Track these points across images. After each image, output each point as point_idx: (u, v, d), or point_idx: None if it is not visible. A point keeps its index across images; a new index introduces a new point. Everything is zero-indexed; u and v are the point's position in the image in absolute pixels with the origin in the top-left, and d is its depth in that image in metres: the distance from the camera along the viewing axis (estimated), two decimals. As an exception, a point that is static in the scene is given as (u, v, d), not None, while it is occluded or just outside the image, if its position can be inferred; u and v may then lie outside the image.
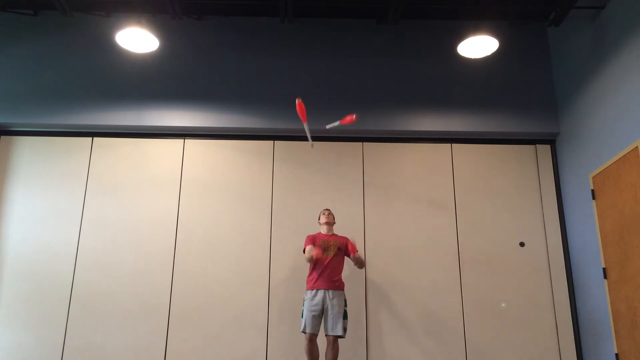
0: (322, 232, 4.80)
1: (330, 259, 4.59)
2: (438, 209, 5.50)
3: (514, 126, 5.59)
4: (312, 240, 4.71)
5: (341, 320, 4.42)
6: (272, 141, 5.66)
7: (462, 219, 5.47)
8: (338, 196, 5.49)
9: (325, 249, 4.62)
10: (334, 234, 4.81)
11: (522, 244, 5.41)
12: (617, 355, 4.58)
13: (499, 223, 5.46)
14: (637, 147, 4.31)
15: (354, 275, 5.26)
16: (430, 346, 5.12)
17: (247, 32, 5.85)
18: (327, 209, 4.92)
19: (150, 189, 5.46)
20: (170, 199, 5.44)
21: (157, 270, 5.24)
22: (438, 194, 5.54)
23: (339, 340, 4.45)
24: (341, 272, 4.67)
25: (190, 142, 5.64)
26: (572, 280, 5.31)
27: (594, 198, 4.94)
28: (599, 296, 4.85)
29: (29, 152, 5.55)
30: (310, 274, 4.65)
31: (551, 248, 5.40)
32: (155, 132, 5.62)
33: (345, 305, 4.55)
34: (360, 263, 4.75)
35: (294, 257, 5.28)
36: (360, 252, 5.29)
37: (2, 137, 5.59)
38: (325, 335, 4.43)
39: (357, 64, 5.78)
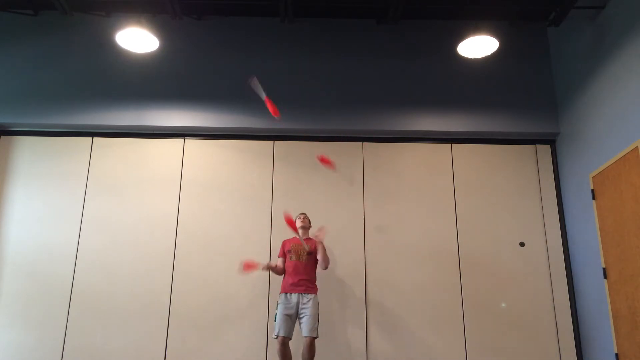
0: (297, 237, 4.82)
1: (302, 264, 4.65)
2: (438, 209, 5.50)
3: (514, 126, 5.60)
4: (284, 244, 4.83)
5: (316, 322, 4.48)
6: (272, 141, 5.66)
7: (462, 219, 5.47)
8: (338, 196, 5.49)
9: (295, 252, 4.69)
10: (307, 238, 4.82)
11: (522, 244, 5.41)
12: (617, 355, 4.58)
13: (499, 223, 5.46)
14: (637, 147, 4.31)
15: (354, 275, 5.27)
16: (431, 346, 5.12)
17: (247, 32, 5.85)
18: (303, 213, 4.95)
19: (150, 189, 5.46)
20: (170, 199, 5.44)
21: (157, 270, 5.24)
22: (438, 194, 5.54)
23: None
24: (314, 276, 4.70)
25: (190, 142, 5.64)
26: (572, 280, 5.31)
27: (594, 198, 4.94)
28: (599, 296, 4.85)
29: (29, 152, 5.55)
30: (284, 277, 4.71)
31: (551, 248, 5.40)
32: (155, 132, 5.62)
33: (318, 309, 4.59)
34: (322, 258, 4.62)
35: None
36: (356, 253, 5.30)
37: (2, 137, 5.59)
38: (303, 336, 4.45)
39: (357, 64, 5.78)
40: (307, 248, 4.67)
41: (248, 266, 4.69)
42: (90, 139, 5.61)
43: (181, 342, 5.08)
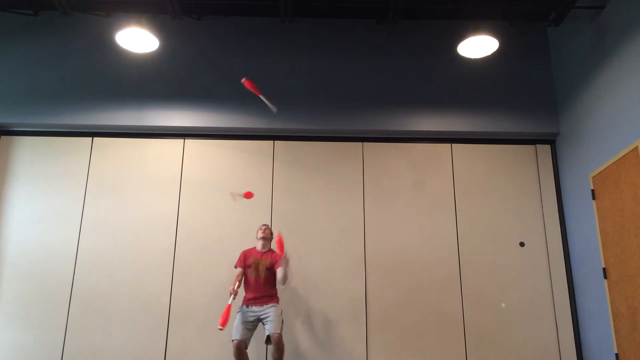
0: (257, 248, 4.78)
1: (262, 280, 4.60)
2: (438, 209, 5.50)
3: (514, 126, 5.60)
4: (245, 256, 4.73)
5: (280, 322, 4.46)
6: (272, 141, 5.66)
7: (462, 219, 5.47)
8: (338, 196, 5.49)
9: (255, 268, 4.64)
10: (268, 250, 4.77)
11: (522, 244, 5.41)
12: (617, 355, 4.58)
13: (499, 223, 5.47)
14: (637, 147, 4.31)
15: (354, 275, 5.27)
16: (431, 346, 5.12)
17: (247, 32, 5.85)
18: (265, 224, 4.90)
19: (150, 189, 5.46)
20: (170, 199, 5.44)
21: (157, 270, 5.24)
22: (438, 194, 5.54)
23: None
24: (275, 291, 4.67)
25: (190, 142, 5.64)
26: (572, 280, 5.31)
27: (594, 198, 4.94)
28: (599, 296, 4.85)
29: (29, 152, 5.55)
30: (245, 292, 4.66)
31: (551, 248, 5.40)
32: (155, 132, 5.62)
33: (281, 314, 4.57)
34: (283, 279, 4.57)
35: (294, 257, 5.28)
36: (356, 252, 5.30)
37: (2, 137, 5.59)
38: (268, 335, 4.39)
39: (357, 64, 5.78)
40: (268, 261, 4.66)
41: (247, 195, 4.59)
42: (90, 139, 5.61)
43: (181, 342, 5.08)
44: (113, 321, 5.10)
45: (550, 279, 5.32)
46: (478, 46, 5.02)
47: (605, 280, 4.75)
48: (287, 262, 4.55)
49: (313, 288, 5.23)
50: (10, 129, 5.61)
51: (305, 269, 5.28)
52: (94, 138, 5.62)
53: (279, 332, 4.39)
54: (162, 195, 5.45)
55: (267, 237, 4.79)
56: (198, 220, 5.39)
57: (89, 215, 5.37)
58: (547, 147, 5.72)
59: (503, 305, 5.24)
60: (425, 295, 5.25)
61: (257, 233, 4.85)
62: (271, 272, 4.65)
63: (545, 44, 5.88)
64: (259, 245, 4.79)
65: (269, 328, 4.42)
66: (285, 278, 4.55)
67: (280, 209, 5.44)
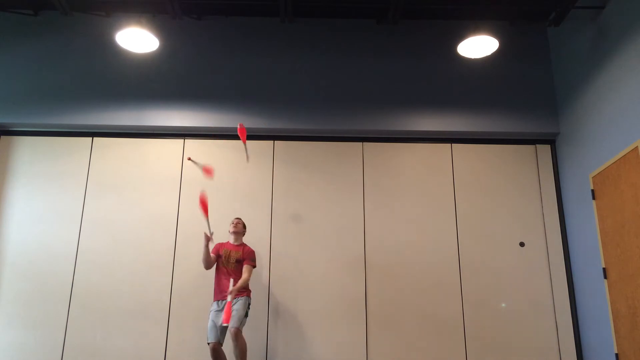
0: (230, 242, 4.83)
1: (230, 271, 4.64)
2: (438, 209, 5.50)
3: (514, 126, 5.60)
4: (218, 248, 4.80)
5: (242, 317, 4.45)
6: (272, 141, 5.66)
7: (462, 219, 5.47)
8: (338, 196, 5.49)
9: (226, 258, 4.70)
10: (240, 244, 4.81)
11: (522, 244, 5.41)
12: (617, 355, 4.58)
13: (499, 223, 5.47)
14: (637, 147, 4.31)
15: (354, 274, 5.27)
16: (430, 346, 5.12)
17: (247, 32, 5.85)
18: (237, 218, 4.94)
19: (150, 189, 5.46)
20: (170, 199, 5.44)
21: (157, 270, 5.24)
22: (438, 194, 5.54)
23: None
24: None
25: (190, 142, 5.64)
26: (572, 280, 5.31)
27: (594, 198, 4.94)
28: (599, 296, 4.85)
29: (29, 152, 5.55)
30: (215, 284, 4.70)
31: (551, 248, 5.40)
32: (155, 132, 5.62)
33: (248, 308, 4.58)
34: (243, 281, 4.56)
35: (294, 257, 5.29)
36: (356, 252, 5.30)
37: (2, 137, 5.59)
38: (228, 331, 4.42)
39: (357, 64, 5.78)
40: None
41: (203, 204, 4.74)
42: (90, 139, 5.62)
43: (181, 342, 5.08)
44: (113, 321, 5.10)
45: (550, 279, 5.32)
46: (478, 46, 5.02)
47: (605, 280, 4.75)
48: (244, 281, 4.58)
49: (313, 288, 5.23)
50: (10, 129, 5.61)
51: (305, 268, 5.28)
52: (94, 138, 5.62)
53: (236, 326, 4.36)
54: (162, 195, 5.45)
55: (239, 231, 4.85)
56: (198, 220, 5.38)
57: (89, 215, 5.38)
58: (547, 147, 5.72)
59: (503, 305, 5.24)
60: (425, 294, 5.25)
61: (229, 227, 4.88)
62: (241, 265, 4.68)
63: (545, 44, 5.88)
64: (231, 239, 4.84)
65: (230, 324, 4.39)
66: (244, 282, 4.57)
67: (280, 209, 5.44)
